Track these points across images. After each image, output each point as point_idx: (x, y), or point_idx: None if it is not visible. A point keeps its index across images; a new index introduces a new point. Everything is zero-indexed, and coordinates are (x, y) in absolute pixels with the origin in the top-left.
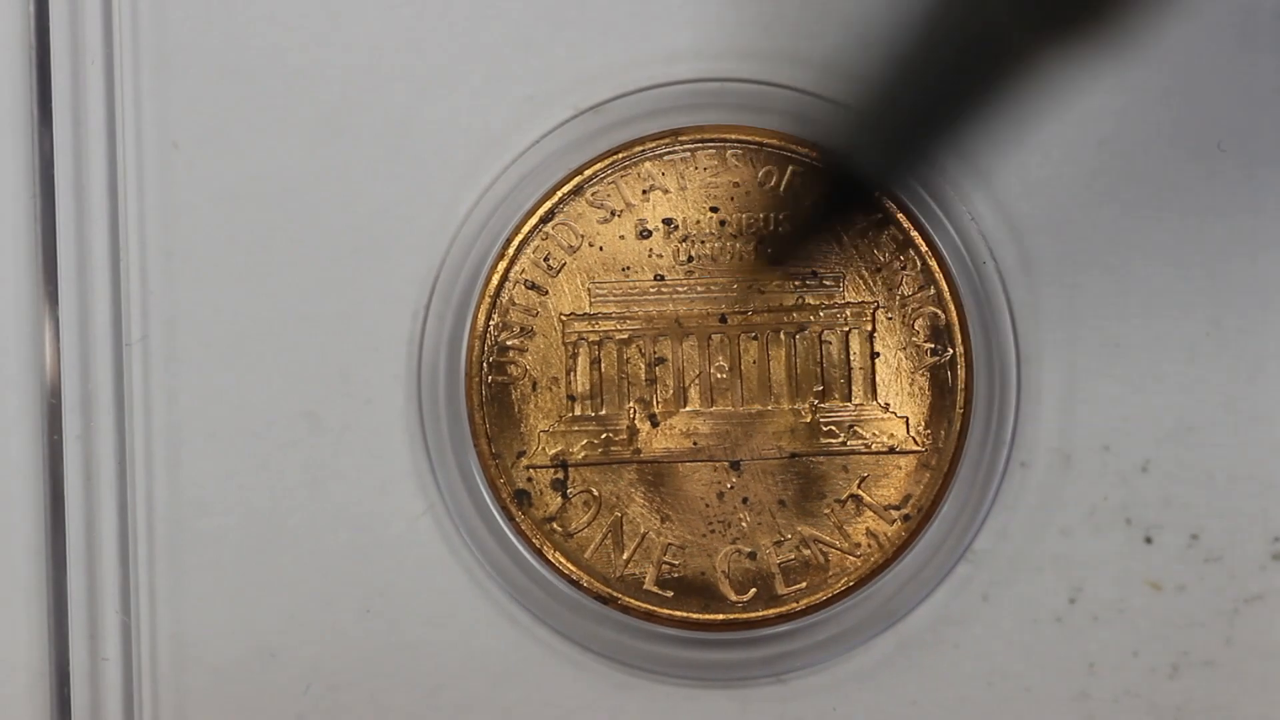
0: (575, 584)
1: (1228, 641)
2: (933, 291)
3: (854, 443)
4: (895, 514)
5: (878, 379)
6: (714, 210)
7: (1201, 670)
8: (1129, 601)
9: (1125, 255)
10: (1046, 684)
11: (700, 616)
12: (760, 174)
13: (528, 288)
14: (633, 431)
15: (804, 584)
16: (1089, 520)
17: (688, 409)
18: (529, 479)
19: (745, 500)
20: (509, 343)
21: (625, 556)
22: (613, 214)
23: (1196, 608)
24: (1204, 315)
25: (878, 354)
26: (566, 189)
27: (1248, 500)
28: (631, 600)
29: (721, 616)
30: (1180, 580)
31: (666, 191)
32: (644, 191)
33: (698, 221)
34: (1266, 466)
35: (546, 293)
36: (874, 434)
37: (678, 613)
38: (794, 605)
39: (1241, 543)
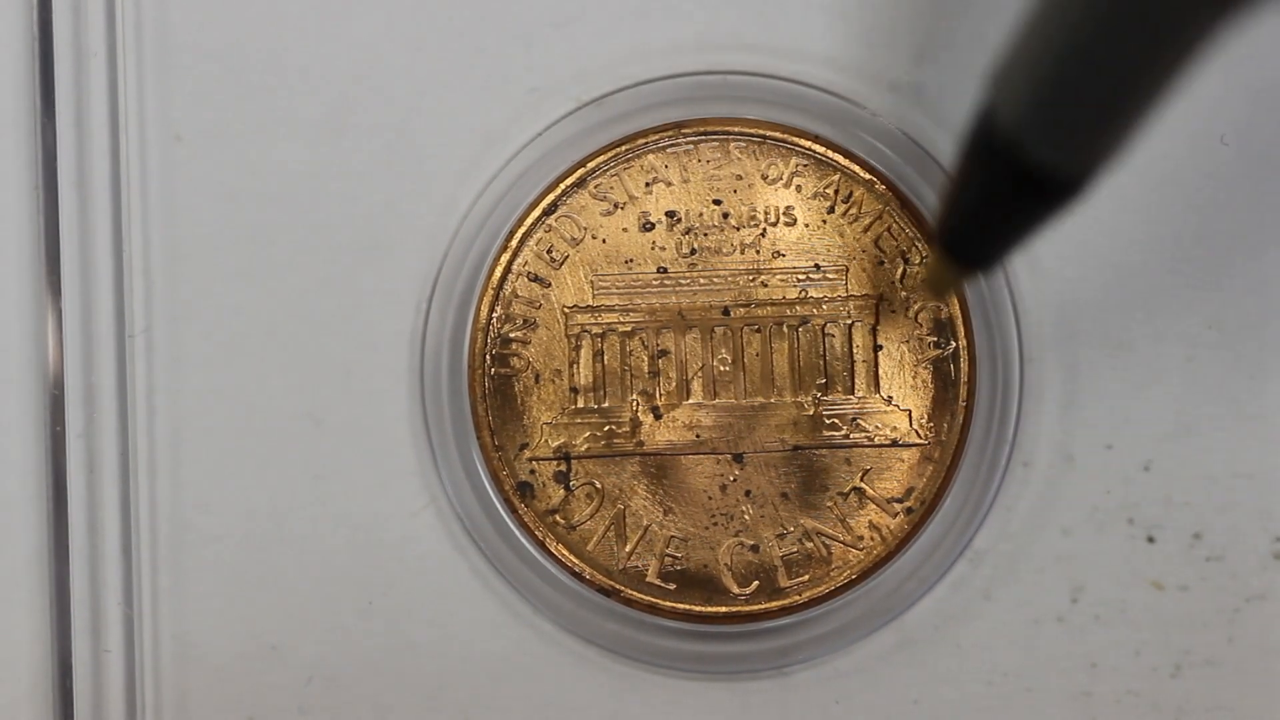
0: (578, 576)
1: (1230, 641)
2: None
3: (856, 435)
4: (898, 507)
5: (880, 372)
6: (717, 203)
7: (1203, 670)
8: (1131, 601)
9: (1127, 251)
10: (1048, 683)
11: (703, 609)
12: (763, 166)
13: (531, 280)
14: (635, 424)
15: (806, 577)
16: (1091, 519)
17: (690, 401)
18: (532, 471)
19: (748, 493)
20: (512, 335)
21: (628, 549)
22: (615, 206)
23: (1198, 607)
24: (1206, 313)
25: (880, 347)
26: (569, 181)
27: (1250, 499)
28: (634, 593)
29: (724, 609)
30: (1182, 579)
31: (669, 184)
32: (647, 184)
33: (700, 214)
34: (1268, 465)
35: (549, 285)
36: (876, 427)
37: (680, 605)
38: (796, 598)
39: (1243, 542)
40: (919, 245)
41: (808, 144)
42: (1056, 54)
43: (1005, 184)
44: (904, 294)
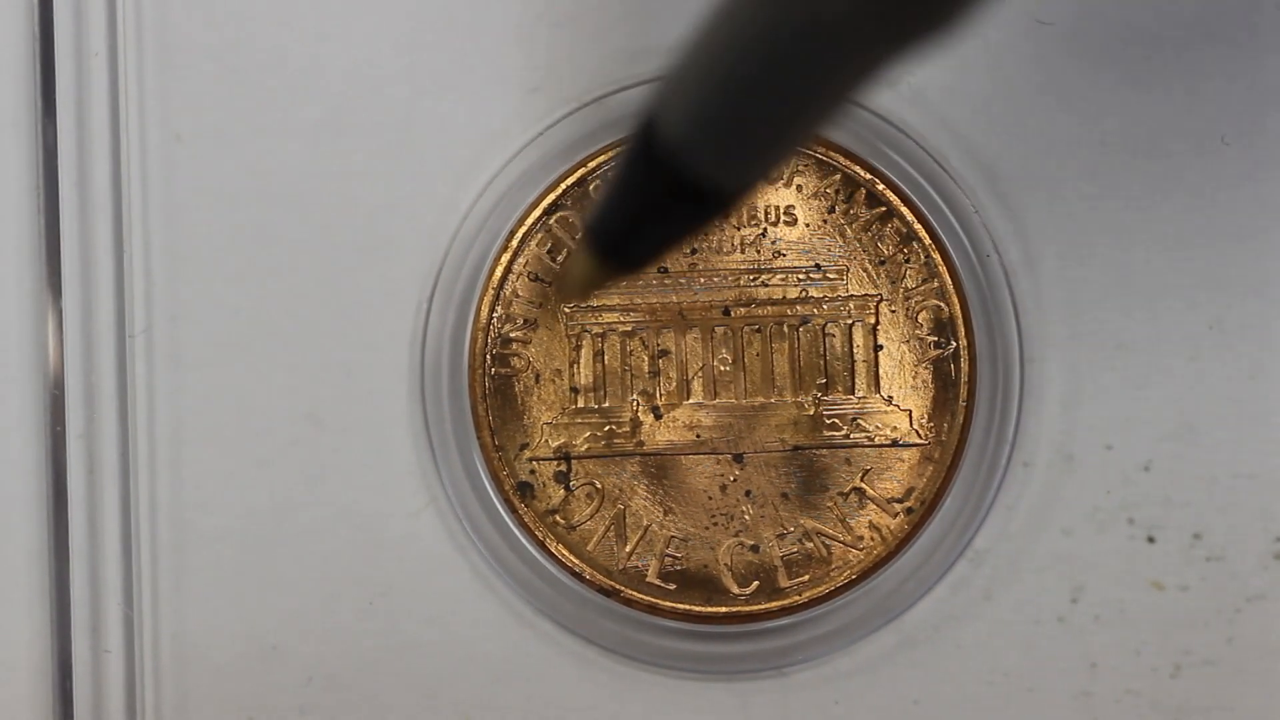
0: (578, 577)
1: (1230, 641)
2: (936, 284)
3: (857, 435)
4: (898, 507)
5: (881, 372)
6: None
7: (1203, 670)
8: (1131, 601)
9: (1128, 250)
10: (1048, 683)
11: (703, 609)
12: None
13: (531, 280)
14: (636, 424)
15: (806, 577)
16: (1091, 519)
17: (691, 401)
18: (532, 471)
19: (748, 493)
20: (512, 335)
21: (628, 549)
22: None
23: (1199, 607)
24: (1207, 312)
25: (881, 347)
26: (570, 181)
27: (1250, 499)
28: (634, 593)
29: (724, 609)
30: (1182, 579)
31: None
32: None
33: None
34: (1268, 465)
35: (550, 285)
36: (877, 427)
37: (680, 605)
38: (796, 598)
39: (1243, 542)
40: (919, 244)
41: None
42: (724, 73)
43: (660, 190)
44: (904, 294)
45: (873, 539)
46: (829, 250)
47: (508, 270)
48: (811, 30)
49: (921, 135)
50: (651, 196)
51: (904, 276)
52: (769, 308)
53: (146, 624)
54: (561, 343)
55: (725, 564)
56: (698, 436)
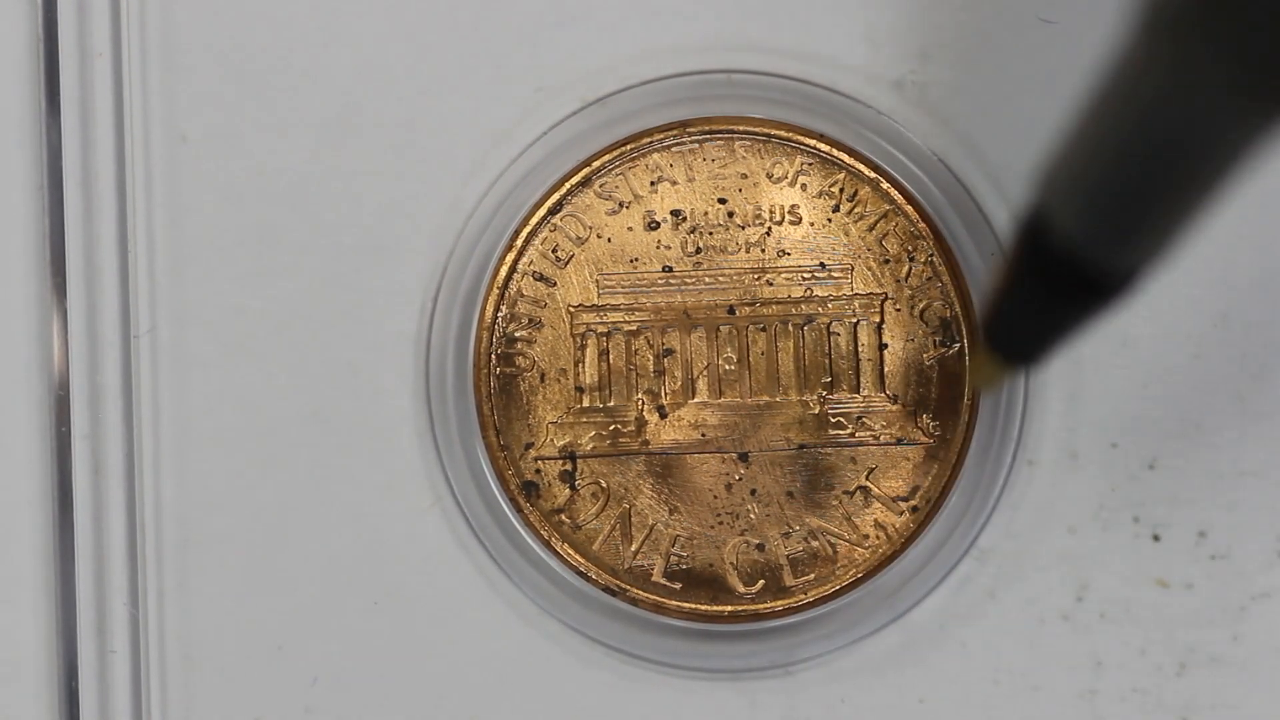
0: (583, 576)
1: (1235, 639)
2: (940, 283)
3: (862, 434)
4: (903, 505)
5: (886, 370)
6: (722, 201)
7: (1209, 668)
8: (1136, 599)
9: None
10: (1053, 681)
11: (708, 608)
12: (768, 165)
13: (536, 279)
14: (641, 423)
15: (812, 575)
16: (1096, 517)
17: (696, 400)
18: (537, 471)
19: (753, 492)
20: (517, 334)
21: (633, 548)
22: (621, 205)
23: (1204, 605)
24: (1212, 309)
25: (886, 345)
26: (574, 180)
27: (1255, 497)
28: (640, 592)
29: (729, 608)
30: (1188, 578)
31: (674, 183)
32: (652, 183)
33: (705, 213)
34: (1274, 463)
35: (555, 284)
36: (882, 425)
37: (686, 604)
38: (802, 597)
39: (1249, 540)
40: (923, 243)
41: (813, 143)
42: (1109, 160)
43: (1058, 285)
44: (909, 292)
45: (878, 537)
46: (834, 249)
47: (512, 269)
48: (1196, 104)
49: (925, 134)
50: (1049, 291)
51: (908, 275)
52: (774, 307)
53: (152, 624)
54: (566, 342)
55: (731, 563)
56: (703, 435)
